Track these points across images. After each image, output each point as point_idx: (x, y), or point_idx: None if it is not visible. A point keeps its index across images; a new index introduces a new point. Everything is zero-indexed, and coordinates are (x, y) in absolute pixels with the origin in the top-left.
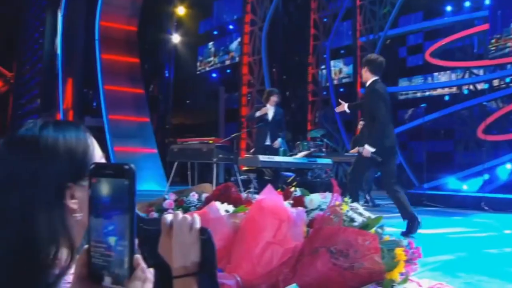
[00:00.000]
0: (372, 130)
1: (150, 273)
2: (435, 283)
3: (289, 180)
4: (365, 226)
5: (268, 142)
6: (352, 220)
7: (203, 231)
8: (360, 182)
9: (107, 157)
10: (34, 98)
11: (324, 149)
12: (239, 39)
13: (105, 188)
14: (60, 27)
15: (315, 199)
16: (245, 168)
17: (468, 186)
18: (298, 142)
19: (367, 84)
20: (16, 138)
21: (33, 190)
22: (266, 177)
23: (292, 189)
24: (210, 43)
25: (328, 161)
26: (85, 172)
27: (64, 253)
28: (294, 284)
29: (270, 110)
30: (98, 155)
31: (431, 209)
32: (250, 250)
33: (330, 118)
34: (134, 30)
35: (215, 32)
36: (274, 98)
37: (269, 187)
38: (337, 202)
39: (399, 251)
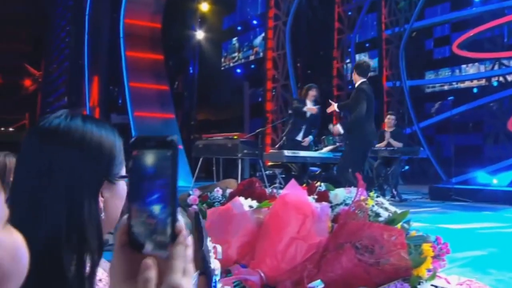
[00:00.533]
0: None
1: (190, 239)
2: (465, 279)
3: (316, 174)
4: (391, 221)
5: (299, 138)
6: (377, 215)
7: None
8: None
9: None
10: (61, 96)
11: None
12: (263, 34)
13: (148, 159)
14: (86, 25)
15: (340, 194)
16: (270, 164)
17: (498, 180)
18: (323, 137)
19: (356, 85)
20: (51, 129)
21: (75, 183)
22: (293, 173)
23: (317, 184)
24: (234, 39)
25: None
26: (114, 171)
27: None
28: (319, 280)
29: (308, 105)
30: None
31: (460, 203)
32: (274, 245)
33: None
34: (158, 27)
35: (239, 28)
36: (312, 93)
37: (292, 182)
38: (362, 197)
39: (426, 247)
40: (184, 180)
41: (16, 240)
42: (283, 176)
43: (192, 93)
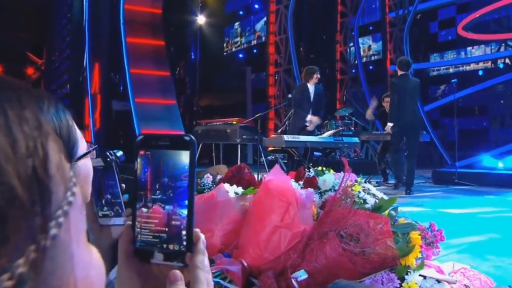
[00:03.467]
0: None
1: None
2: (459, 267)
3: (318, 159)
4: (378, 208)
5: (308, 119)
6: (364, 201)
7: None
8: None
9: (135, 140)
10: (64, 83)
11: (352, 128)
12: (265, 18)
13: (160, 159)
14: (86, 12)
15: (328, 179)
16: (271, 149)
17: (504, 164)
18: (326, 121)
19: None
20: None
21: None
22: (295, 158)
23: (319, 168)
24: (236, 23)
25: (355, 140)
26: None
27: None
28: (302, 270)
29: (310, 89)
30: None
31: (463, 188)
32: (257, 234)
33: (359, 96)
34: (159, 12)
35: (241, 12)
36: (316, 76)
37: (276, 168)
38: (349, 183)
39: (414, 235)
40: None
41: (99, 257)
42: (285, 161)
43: (194, 79)
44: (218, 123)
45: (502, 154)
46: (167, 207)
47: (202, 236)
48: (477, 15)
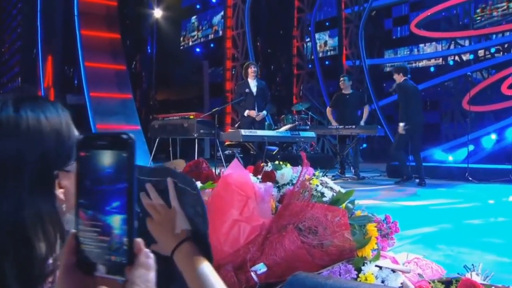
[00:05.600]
0: None
1: (152, 259)
2: (413, 257)
3: (274, 153)
4: (335, 201)
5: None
6: (322, 195)
7: (194, 185)
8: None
9: None
10: (15, 77)
11: (309, 122)
12: (222, 13)
13: (98, 162)
14: (38, 2)
15: (286, 173)
16: (228, 143)
17: (453, 157)
18: (283, 116)
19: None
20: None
21: (18, 177)
22: (251, 152)
23: (276, 162)
24: (193, 17)
25: (312, 134)
26: (71, 156)
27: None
28: (262, 264)
29: (252, 83)
30: (76, 136)
31: (416, 180)
32: (216, 228)
33: (315, 91)
34: (115, 4)
35: (198, 6)
36: (252, 69)
37: (235, 162)
38: (307, 176)
39: (370, 227)
40: (143, 161)
41: None
42: (242, 156)
43: (151, 73)
44: (175, 118)
45: (452, 148)
46: (110, 213)
47: (144, 247)
48: (429, 13)
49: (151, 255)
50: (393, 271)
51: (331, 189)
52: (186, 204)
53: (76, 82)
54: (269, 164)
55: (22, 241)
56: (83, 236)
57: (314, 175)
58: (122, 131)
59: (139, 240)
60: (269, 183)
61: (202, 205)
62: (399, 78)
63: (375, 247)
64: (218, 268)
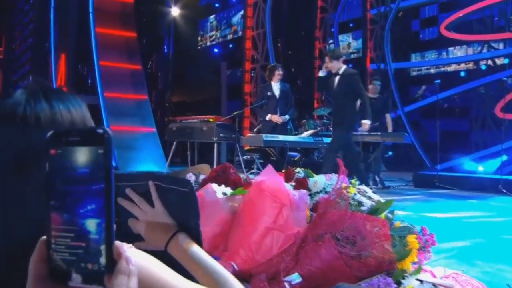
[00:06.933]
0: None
1: (134, 264)
2: (451, 272)
3: (295, 160)
4: (374, 210)
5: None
6: (359, 204)
7: (185, 183)
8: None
9: None
10: (26, 74)
11: (331, 128)
12: (242, 12)
13: (71, 160)
14: None
15: (319, 181)
16: (248, 148)
17: (484, 168)
18: (304, 121)
19: (342, 70)
20: (18, 117)
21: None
22: (272, 158)
23: (297, 170)
24: (212, 16)
25: None
26: None
27: None
28: (296, 274)
29: (275, 86)
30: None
31: (445, 191)
32: (248, 236)
33: None
34: (131, 2)
35: (217, 5)
36: (278, 72)
37: (269, 168)
38: (344, 184)
39: (411, 239)
40: (158, 166)
41: None
42: (261, 161)
43: (167, 73)
44: (193, 120)
45: (482, 157)
46: (85, 216)
47: (125, 252)
48: (460, 15)
49: (133, 260)
50: (434, 285)
51: (370, 198)
52: (173, 202)
53: (89, 81)
54: (300, 170)
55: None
56: (55, 243)
57: (351, 183)
58: (96, 126)
59: (118, 245)
60: (304, 191)
61: (193, 200)
62: (338, 65)
63: (416, 260)
64: (250, 278)
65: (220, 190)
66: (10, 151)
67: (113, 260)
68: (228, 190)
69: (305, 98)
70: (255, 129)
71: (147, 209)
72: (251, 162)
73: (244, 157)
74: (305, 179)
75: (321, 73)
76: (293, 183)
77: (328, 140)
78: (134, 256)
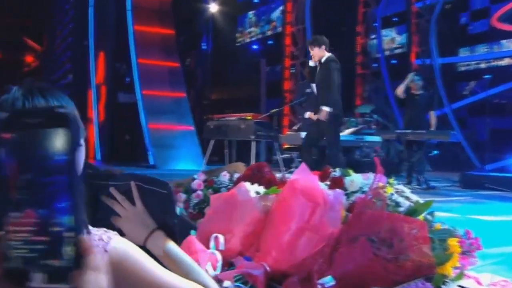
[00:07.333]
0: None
1: (104, 259)
2: (499, 279)
3: None
4: (413, 212)
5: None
6: (397, 204)
7: (164, 185)
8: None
9: (141, 134)
10: (66, 73)
11: (374, 126)
12: (281, 7)
13: (29, 145)
14: None
15: (356, 180)
16: (287, 146)
17: None
18: (345, 119)
19: (325, 59)
20: (18, 112)
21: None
22: (314, 157)
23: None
24: (251, 12)
25: (377, 138)
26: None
27: None
28: (329, 277)
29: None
30: None
31: (495, 193)
32: (280, 236)
33: (380, 92)
34: None
35: (256, 1)
36: None
37: (303, 166)
38: (381, 184)
39: (452, 242)
40: (196, 164)
41: None
42: (300, 160)
43: (205, 70)
44: (231, 118)
45: None
46: (47, 206)
47: (92, 247)
48: None
49: (101, 255)
50: None
51: (407, 198)
52: (152, 202)
53: (127, 79)
54: (337, 169)
55: None
56: (13, 239)
57: (388, 183)
58: (56, 105)
59: (86, 238)
60: (339, 190)
61: (171, 201)
62: (320, 53)
63: (458, 264)
64: (281, 279)
65: (253, 189)
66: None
67: (81, 255)
68: (262, 189)
69: (346, 95)
70: (295, 127)
71: (129, 207)
72: (290, 161)
73: (284, 155)
74: (341, 178)
75: (310, 63)
76: (328, 182)
77: (370, 138)
78: (120, 243)
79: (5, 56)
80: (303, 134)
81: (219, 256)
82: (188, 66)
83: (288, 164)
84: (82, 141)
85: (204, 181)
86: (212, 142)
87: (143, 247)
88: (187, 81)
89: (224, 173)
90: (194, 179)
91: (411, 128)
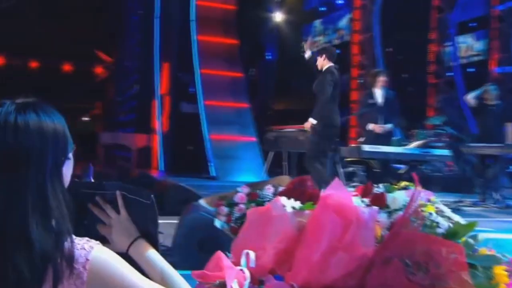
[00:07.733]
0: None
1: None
2: None
3: (400, 172)
4: (453, 234)
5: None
6: (436, 225)
7: (148, 195)
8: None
9: (203, 145)
10: (133, 84)
11: (446, 139)
12: (348, 15)
13: None
14: (157, 8)
15: (399, 197)
16: (349, 159)
17: None
18: (415, 131)
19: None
20: (10, 125)
21: (42, 169)
22: (375, 170)
23: (402, 184)
24: (317, 21)
25: (446, 152)
26: (69, 149)
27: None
28: None
29: (378, 93)
30: None
31: None
32: (310, 255)
33: (454, 102)
34: (233, 9)
35: (322, 9)
36: (382, 78)
37: (337, 181)
38: (421, 201)
39: (498, 270)
40: (258, 176)
41: None
42: (364, 173)
43: (269, 80)
44: (290, 130)
45: None
46: None
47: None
48: None
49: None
50: None
51: (448, 219)
52: (136, 211)
53: (191, 89)
54: (380, 185)
55: (43, 217)
56: None
57: (429, 200)
58: None
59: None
60: (375, 207)
61: (153, 212)
62: (321, 62)
63: None
64: None
65: (289, 204)
66: (3, 152)
67: None
68: (298, 204)
69: (417, 106)
70: (359, 139)
71: (114, 215)
72: (354, 174)
73: (348, 169)
74: (383, 195)
75: (306, 56)
76: (367, 199)
77: (438, 152)
78: (102, 252)
79: (77, 67)
80: (364, 147)
81: (247, 274)
82: (252, 76)
83: (351, 178)
84: (70, 155)
85: (247, 194)
86: (271, 154)
87: (126, 254)
88: (251, 91)
89: (268, 186)
90: (237, 192)
91: (485, 141)
